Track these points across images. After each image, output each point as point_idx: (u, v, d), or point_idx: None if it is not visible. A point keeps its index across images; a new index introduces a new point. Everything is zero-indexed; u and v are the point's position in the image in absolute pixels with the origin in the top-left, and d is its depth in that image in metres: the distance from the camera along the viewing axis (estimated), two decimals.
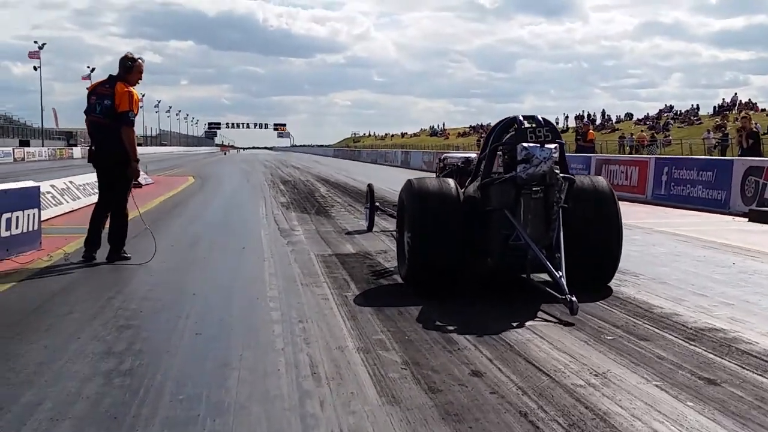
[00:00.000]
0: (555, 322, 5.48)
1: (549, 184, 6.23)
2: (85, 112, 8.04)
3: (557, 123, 71.03)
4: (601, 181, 6.93)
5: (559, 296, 5.66)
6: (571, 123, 70.80)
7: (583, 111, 72.58)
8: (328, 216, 13.18)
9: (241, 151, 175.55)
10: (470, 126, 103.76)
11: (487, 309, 5.88)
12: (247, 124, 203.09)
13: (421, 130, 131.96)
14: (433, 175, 9.17)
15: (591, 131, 25.40)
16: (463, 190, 6.96)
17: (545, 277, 6.44)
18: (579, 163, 20.42)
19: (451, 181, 6.77)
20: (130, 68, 8.01)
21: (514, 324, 5.39)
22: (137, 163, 8.06)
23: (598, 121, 67.25)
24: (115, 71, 8.02)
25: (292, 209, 14.56)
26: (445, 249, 6.30)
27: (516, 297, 6.31)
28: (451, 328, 5.26)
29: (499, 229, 6.35)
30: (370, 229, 10.82)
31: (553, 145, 6.33)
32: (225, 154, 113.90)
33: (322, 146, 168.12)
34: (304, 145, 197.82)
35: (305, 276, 7.25)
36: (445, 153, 10.53)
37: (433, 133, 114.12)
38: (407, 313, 5.69)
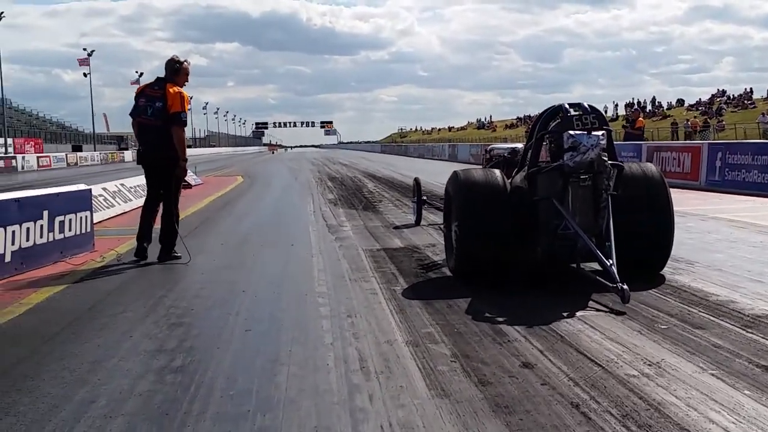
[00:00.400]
0: (606, 312, 5.40)
1: (597, 172, 6.16)
2: (131, 114, 8.15)
3: (606, 111, 70.16)
4: (651, 167, 6.83)
5: (610, 285, 5.59)
6: (621, 111, 69.80)
7: (632, 99, 71.46)
8: (376, 211, 13.19)
9: (289, 149, 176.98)
10: (517, 117, 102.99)
11: (537, 300, 5.82)
12: (294, 122, 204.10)
13: (468, 123, 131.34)
14: (480, 166, 9.11)
15: (641, 119, 24.97)
16: (510, 180, 6.92)
17: (595, 266, 6.36)
18: (630, 151, 20.11)
19: (497, 172, 6.77)
20: (177, 70, 8.11)
21: (565, 314, 5.33)
22: (185, 162, 8.18)
23: (649, 108, 66.17)
24: (161, 75, 8.13)
25: (339, 205, 14.60)
26: (492, 240, 6.29)
27: (566, 287, 6.24)
28: (500, 319, 5.22)
29: (547, 218, 6.30)
30: (417, 223, 10.82)
31: (600, 132, 6.25)
32: (273, 153, 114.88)
33: (368, 143, 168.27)
34: (350, 142, 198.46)
35: (353, 271, 7.27)
36: (491, 145, 10.48)
37: (480, 125, 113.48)
38: (456, 306, 5.66)
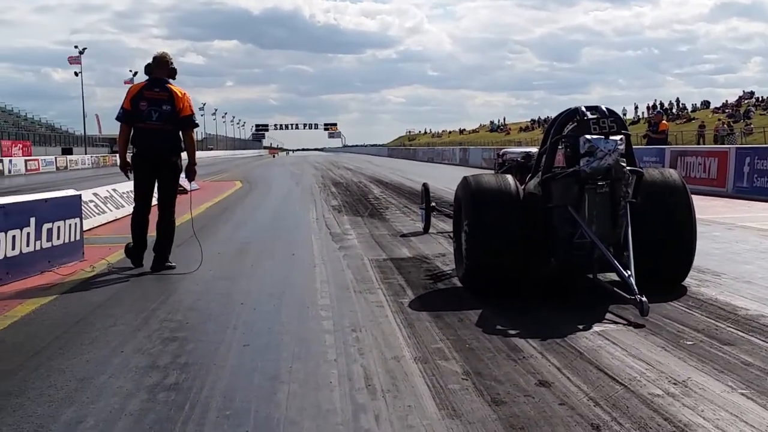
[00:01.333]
0: (627, 326, 5.38)
1: (615, 178, 6.21)
2: (125, 118, 8.05)
3: (626, 114, 70.12)
4: (672, 173, 6.88)
5: (628, 297, 5.60)
6: (642, 113, 69.72)
7: (655, 100, 71.37)
8: (383, 219, 13.18)
9: (291, 153, 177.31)
10: (532, 120, 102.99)
11: (553, 313, 5.80)
12: (296, 124, 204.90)
13: (480, 125, 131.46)
14: (492, 171, 9.11)
15: (664, 122, 24.89)
16: (523, 186, 6.98)
17: (613, 276, 6.34)
18: (652, 156, 20.08)
19: (509, 177, 6.82)
20: (173, 71, 8.19)
21: (582, 328, 5.30)
22: (195, 165, 8.32)
23: (673, 111, 66.05)
24: (145, 69, 8.19)
25: (344, 212, 14.60)
26: (504, 249, 6.32)
27: (582, 299, 6.25)
28: (514, 334, 5.20)
29: (562, 226, 6.35)
30: (426, 230, 10.84)
31: (618, 137, 6.28)
32: (273, 156, 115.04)
33: (375, 146, 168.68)
34: (356, 145, 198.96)
35: (359, 282, 7.26)
36: (504, 148, 10.46)
37: (493, 128, 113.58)
38: (467, 320, 5.64)
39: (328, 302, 6.42)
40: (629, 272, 5.81)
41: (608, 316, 5.67)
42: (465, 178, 6.91)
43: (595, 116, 6.42)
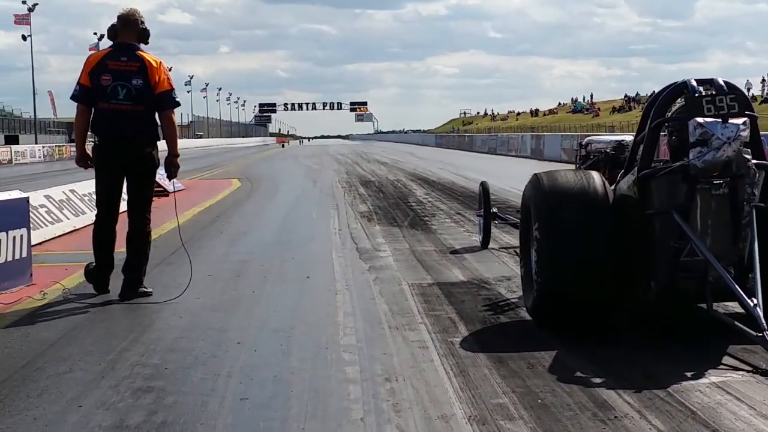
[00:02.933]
0: (753, 373, 5.33)
1: (736, 175, 6.12)
2: (83, 98, 8.12)
3: (750, 90, 69.65)
4: None
5: (755, 334, 5.49)
6: None
7: None
8: (427, 229, 13.17)
9: (306, 141, 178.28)
10: (626, 97, 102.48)
11: (653, 356, 5.78)
12: (314, 104, 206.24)
13: (560, 105, 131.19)
14: (573, 166, 9.06)
15: None
16: (613, 186, 6.96)
17: (735, 307, 6.27)
18: None
19: (595, 175, 6.79)
20: (145, 34, 8.22)
21: (693, 377, 5.28)
22: (177, 158, 8.37)
23: None
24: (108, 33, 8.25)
25: (375, 221, 14.61)
26: (588, 271, 6.30)
27: (693, 337, 6.23)
28: (602, 384, 5.18)
29: (665, 240, 6.28)
30: (485, 245, 10.84)
31: (740, 120, 6.16)
32: (283, 146, 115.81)
33: (418, 132, 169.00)
34: (393, 132, 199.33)
35: (395, 315, 7.26)
36: (589, 136, 10.33)
37: (577, 108, 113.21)
38: (540, 365, 5.63)
39: (353, 342, 6.42)
40: (755, 301, 5.71)
41: (727, 360, 5.63)
42: (536, 176, 6.90)
43: (709, 93, 6.34)
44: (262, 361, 6.05)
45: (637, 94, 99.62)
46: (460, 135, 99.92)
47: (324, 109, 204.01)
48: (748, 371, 5.42)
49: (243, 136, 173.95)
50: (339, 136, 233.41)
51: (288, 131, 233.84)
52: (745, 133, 6.14)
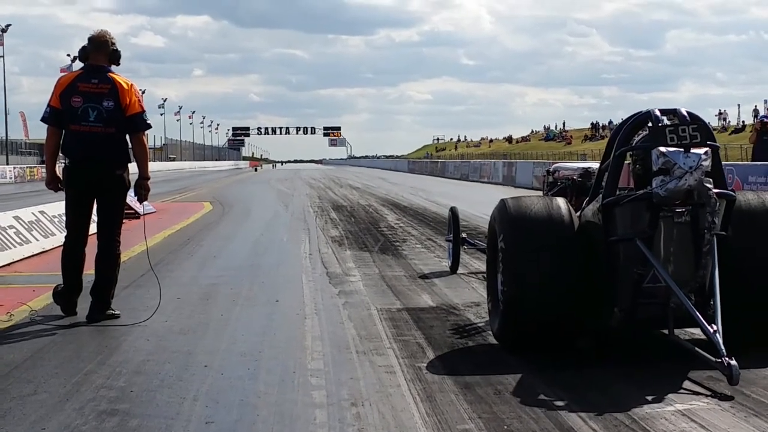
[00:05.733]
0: (713, 399, 5.39)
1: (698, 204, 6.26)
2: (53, 120, 8.12)
3: (725, 120, 70.28)
4: None
5: (713, 359, 5.63)
6: (747, 118, 69.69)
7: (766, 102, 71.15)
8: (398, 255, 13.18)
9: (279, 165, 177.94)
10: (593, 124, 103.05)
11: (618, 381, 5.84)
12: (287, 128, 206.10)
13: (532, 132, 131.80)
14: (540, 193, 9.18)
15: None
16: (579, 213, 7.16)
17: (696, 333, 6.41)
18: (760, 175, 20.02)
19: (561, 201, 6.96)
20: (116, 56, 8.24)
21: (660, 404, 5.32)
22: (148, 181, 8.36)
23: None
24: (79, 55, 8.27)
25: (346, 246, 14.61)
26: (553, 296, 6.43)
27: (659, 362, 6.31)
28: (567, 409, 5.20)
29: (628, 266, 6.42)
30: (454, 270, 10.90)
31: (702, 150, 6.33)
32: (256, 170, 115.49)
33: (391, 158, 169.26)
34: (366, 157, 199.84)
35: (363, 340, 7.26)
36: (557, 163, 10.64)
37: (549, 136, 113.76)
38: (506, 391, 5.65)
39: (320, 366, 6.42)
40: (715, 327, 5.87)
41: (692, 387, 5.70)
42: (502, 201, 7.05)
43: (672, 122, 6.50)
44: (229, 384, 6.03)
45: (611, 122, 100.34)
46: (432, 161, 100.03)
47: (297, 133, 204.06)
48: (713, 398, 5.46)
49: (216, 160, 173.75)
50: (312, 161, 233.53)
51: (261, 155, 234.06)
52: (707, 163, 6.30)
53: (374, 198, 30.67)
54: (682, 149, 6.27)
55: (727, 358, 5.45)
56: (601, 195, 6.78)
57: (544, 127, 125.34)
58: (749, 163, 22.52)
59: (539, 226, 6.61)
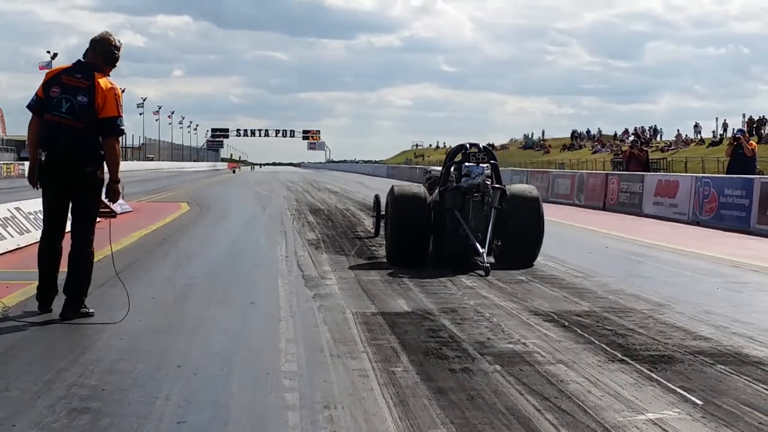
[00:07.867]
0: (685, 409, 5.42)
1: (484, 192, 12.11)
2: (33, 107, 8.16)
3: (699, 133, 71.54)
4: (530, 188, 13.30)
5: (481, 263, 11.22)
6: (727, 129, 70.05)
7: (744, 116, 71.51)
8: (374, 258, 13.17)
9: (257, 168, 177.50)
10: (574, 132, 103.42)
11: (591, 389, 5.87)
12: (266, 131, 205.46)
13: (512, 140, 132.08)
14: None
15: (752, 142, 24.99)
16: (432, 195, 12.73)
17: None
18: (737, 188, 20.07)
19: (422, 187, 13.22)
20: (112, 58, 8.25)
21: (632, 412, 5.35)
22: (118, 184, 8.35)
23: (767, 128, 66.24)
24: (82, 56, 8.25)
25: (323, 249, 14.59)
26: (413, 237, 12.08)
27: (631, 371, 6.34)
28: (539, 417, 5.23)
29: (451, 223, 12.06)
30: (376, 234, 15.96)
31: (485, 165, 12.35)
32: (234, 171, 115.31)
33: (370, 162, 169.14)
34: (345, 161, 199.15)
35: (337, 343, 7.26)
36: (431, 168, 18.15)
37: (528, 144, 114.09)
38: (480, 397, 5.66)
39: (294, 368, 6.43)
40: (484, 250, 11.42)
41: (665, 395, 5.73)
42: (392, 187, 13.01)
43: (474, 150, 12.61)
44: (202, 384, 6.03)
45: (589, 131, 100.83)
46: (411, 167, 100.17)
47: (276, 136, 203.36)
48: (684, 408, 5.50)
49: (194, 160, 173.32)
50: (291, 164, 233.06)
51: (240, 157, 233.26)
52: (488, 171, 12.32)
53: (351, 202, 30.66)
54: (476, 164, 12.30)
55: (486, 263, 11.14)
56: (438, 186, 12.68)
57: (524, 135, 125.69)
58: (725, 176, 22.61)
59: (409, 200, 12.38)
